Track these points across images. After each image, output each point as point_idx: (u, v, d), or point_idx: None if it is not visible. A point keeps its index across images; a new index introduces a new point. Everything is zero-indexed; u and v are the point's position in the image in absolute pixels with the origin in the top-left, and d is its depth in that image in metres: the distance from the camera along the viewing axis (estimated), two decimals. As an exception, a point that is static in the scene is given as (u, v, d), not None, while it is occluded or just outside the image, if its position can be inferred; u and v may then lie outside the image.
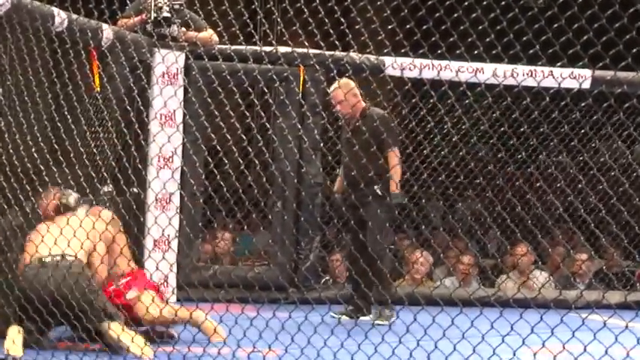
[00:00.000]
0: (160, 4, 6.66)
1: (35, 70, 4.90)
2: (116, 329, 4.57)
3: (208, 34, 6.89)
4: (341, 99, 6.12)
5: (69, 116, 5.08)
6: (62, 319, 4.60)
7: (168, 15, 6.67)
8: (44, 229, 4.78)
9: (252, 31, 4.94)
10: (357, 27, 4.49)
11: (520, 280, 7.69)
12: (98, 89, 5.85)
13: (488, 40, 3.94)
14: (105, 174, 5.65)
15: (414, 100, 7.32)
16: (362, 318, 6.18)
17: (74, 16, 5.42)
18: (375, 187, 5.89)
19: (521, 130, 7.13)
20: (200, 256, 7.54)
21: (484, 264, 8.41)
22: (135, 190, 5.67)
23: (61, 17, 5.32)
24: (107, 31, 5.88)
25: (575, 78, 7.19)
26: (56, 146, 5.06)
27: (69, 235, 4.69)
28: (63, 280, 4.56)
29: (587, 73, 7.26)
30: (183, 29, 6.86)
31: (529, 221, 5.75)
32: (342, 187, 6.31)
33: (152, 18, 6.67)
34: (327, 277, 7.82)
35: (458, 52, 4.05)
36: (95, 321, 4.58)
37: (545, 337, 3.84)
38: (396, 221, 6.14)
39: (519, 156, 8.17)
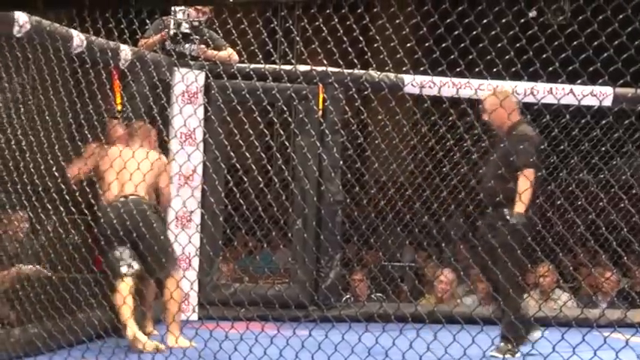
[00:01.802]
0: (179, 21, 6.69)
1: (56, 90, 4.94)
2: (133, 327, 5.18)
3: (227, 52, 6.92)
4: (487, 108, 5.60)
5: (89, 135, 5.12)
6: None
7: (188, 31, 6.70)
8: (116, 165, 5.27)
9: (272, 49, 4.96)
10: (376, 45, 4.49)
11: (542, 300, 7.64)
12: (119, 108, 5.89)
13: (507, 57, 3.93)
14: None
15: (433, 118, 7.32)
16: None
17: (93, 38, 5.46)
18: (505, 210, 5.34)
19: (542, 147, 7.09)
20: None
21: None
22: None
23: (80, 38, 5.37)
24: (125, 52, 5.92)
25: (596, 95, 7.16)
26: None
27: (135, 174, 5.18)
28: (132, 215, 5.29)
29: (608, 90, 7.22)
30: (203, 46, 6.88)
31: (550, 239, 5.71)
32: None
33: (171, 34, 6.70)
34: (347, 296, 7.80)
35: (477, 69, 4.04)
36: (162, 261, 5.36)
37: (566, 355, 3.81)
38: (523, 245, 5.20)
39: (540, 174, 8.13)
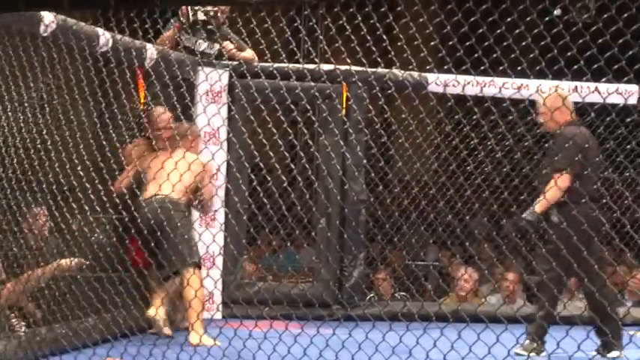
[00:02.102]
0: (196, 8, 6.70)
1: (81, 89, 4.97)
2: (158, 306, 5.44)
3: (249, 54, 6.93)
4: (541, 110, 5.53)
5: (113, 133, 5.15)
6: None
7: (205, 18, 6.71)
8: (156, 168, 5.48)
9: (295, 48, 4.96)
10: (399, 43, 4.48)
11: (567, 298, 7.60)
12: (143, 107, 5.91)
13: (532, 55, 3.92)
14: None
15: (457, 117, 7.29)
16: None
17: (118, 37, 5.48)
18: (551, 214, 5.26)
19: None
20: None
21: (530, 281, 8.32)
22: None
23: (105, 37, 5.39)
24: (150, 51, 5.94)
25: (621, 94, 7.11)
26: (102, 164, 5.12)
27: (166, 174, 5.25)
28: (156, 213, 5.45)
29: (633, 88, 7.18)
30: (228, 43, 6.88)
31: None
32: None
33: (191, 20, 6.71)
34: (371, 295, 7.79)
35: (501, 68, 4.02)
36: (186, 259, 5.48)
37: (592, 354, 3.79)
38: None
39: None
